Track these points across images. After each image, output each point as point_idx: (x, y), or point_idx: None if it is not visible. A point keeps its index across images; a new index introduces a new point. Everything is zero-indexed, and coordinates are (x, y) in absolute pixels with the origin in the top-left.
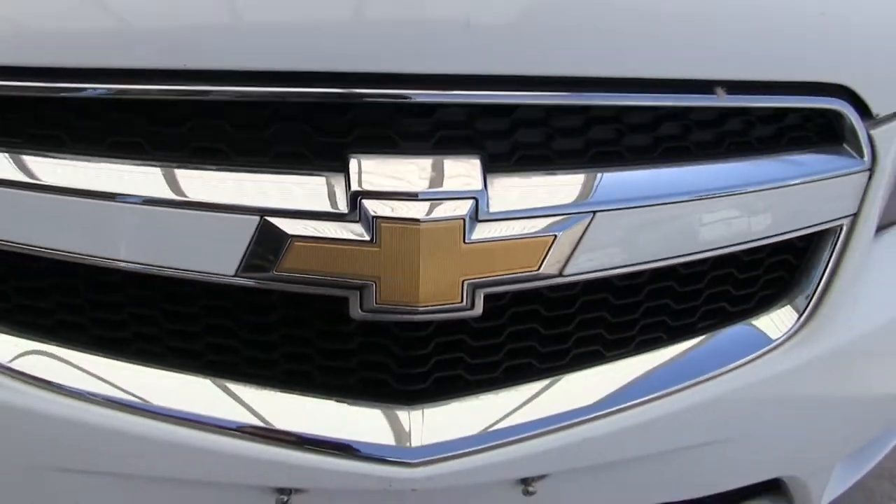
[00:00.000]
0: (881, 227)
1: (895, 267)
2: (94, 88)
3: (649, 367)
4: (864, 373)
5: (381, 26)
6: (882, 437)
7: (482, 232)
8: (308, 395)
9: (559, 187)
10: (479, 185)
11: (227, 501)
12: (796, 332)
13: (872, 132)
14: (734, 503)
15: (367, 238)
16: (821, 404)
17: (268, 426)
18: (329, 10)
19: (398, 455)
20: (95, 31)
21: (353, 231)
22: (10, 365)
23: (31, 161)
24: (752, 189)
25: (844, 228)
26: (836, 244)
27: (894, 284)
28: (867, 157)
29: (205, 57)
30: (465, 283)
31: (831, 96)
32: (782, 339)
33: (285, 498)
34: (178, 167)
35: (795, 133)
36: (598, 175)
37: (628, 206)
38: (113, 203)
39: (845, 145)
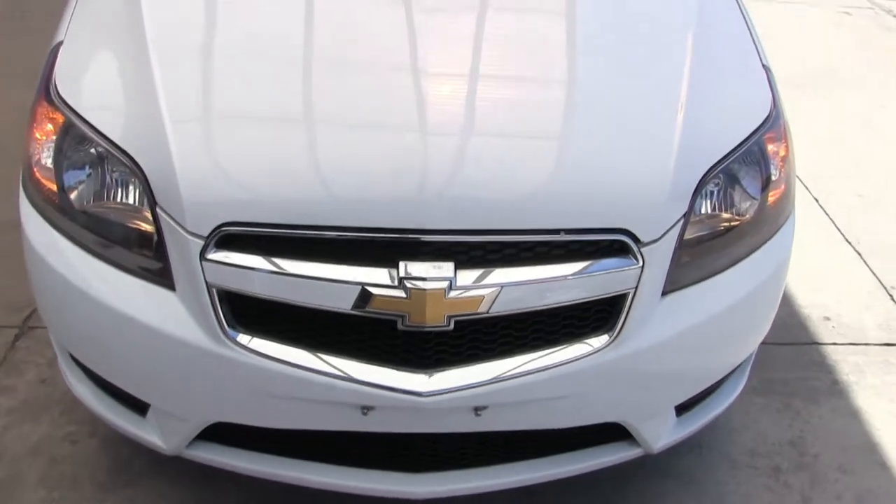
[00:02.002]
0: (666, 292)
1: (669, 314)
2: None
3: (536, 357)
4: (647, 365)
5: (409, 211)
6: (710, 403)
7: (453, 295)
8: (378, 365)
9: (488, 275)
10: (451, 275)
11: (342, 411)
12: (608, 345)
13: (643, 249)
14: (598, 440)
15: (405, 296)
16: (625, 381)
17: (362, 379)
18: (398, 210)
19: (417, 392)
20: (288, 200)
21: (399, 293)
22: (267, 352)
23: (267, 261)
24: (577, 276)
25: (630, 294)
26: (629, 302)
27: (666, 322)
28: (640, 261)
29: (349, 219)
30: (445, 315)
31: (621, 234)
32: (601, 348)
33: (366, 411)
34: (333, 274)
35: (605, 247)
36: (505, 270)
37: (518, 283)
38: (313, 281)
39: (630, 255)
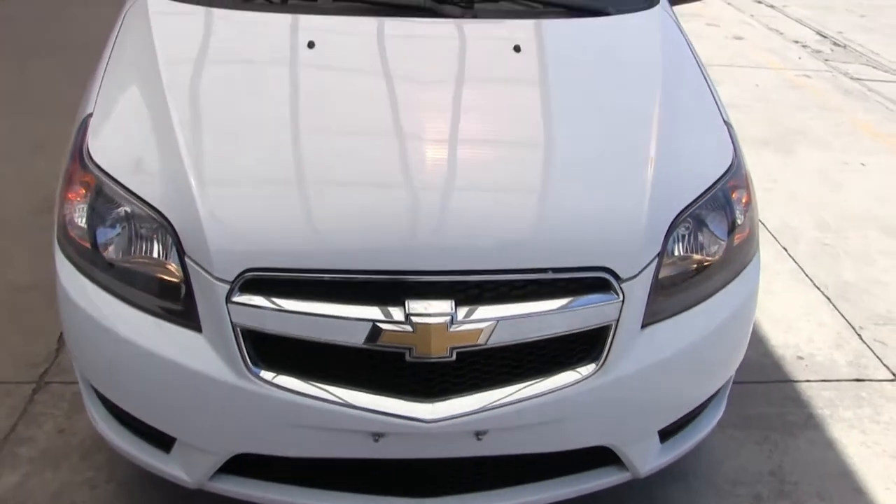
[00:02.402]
0: (646, 324)
1: (648, 344)
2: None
3: (530, 384)
4: (631, 391)
5: (415, 256)
6: (691, 430)
7: (454, 329)
8: (388, 396)
9: (485, 310)
10: (452, 311)
11: (355, 438)
12: (593, 373)
13: (622, 284)
14: (587, 465)
15: (412, 331)
16: (611, 406)
17: (373, 408)
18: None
19: (423, 419)
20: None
21: (406, 328)
22: (287, 386)
23: (286, 302)
24: (564, 310)
25: (613, 326)
26: (612, 334)
27: (647, 352)
28: (620, 295)
29: (358, 264)
30: (448, 346)
31: (602, 271)
32: (588, 375)
33: (377, 438)
34: (346, 313)
35: (588, 283)
36: (499, 305)
37: (512, 317)
38: (328, 319)
39: (611, 290)
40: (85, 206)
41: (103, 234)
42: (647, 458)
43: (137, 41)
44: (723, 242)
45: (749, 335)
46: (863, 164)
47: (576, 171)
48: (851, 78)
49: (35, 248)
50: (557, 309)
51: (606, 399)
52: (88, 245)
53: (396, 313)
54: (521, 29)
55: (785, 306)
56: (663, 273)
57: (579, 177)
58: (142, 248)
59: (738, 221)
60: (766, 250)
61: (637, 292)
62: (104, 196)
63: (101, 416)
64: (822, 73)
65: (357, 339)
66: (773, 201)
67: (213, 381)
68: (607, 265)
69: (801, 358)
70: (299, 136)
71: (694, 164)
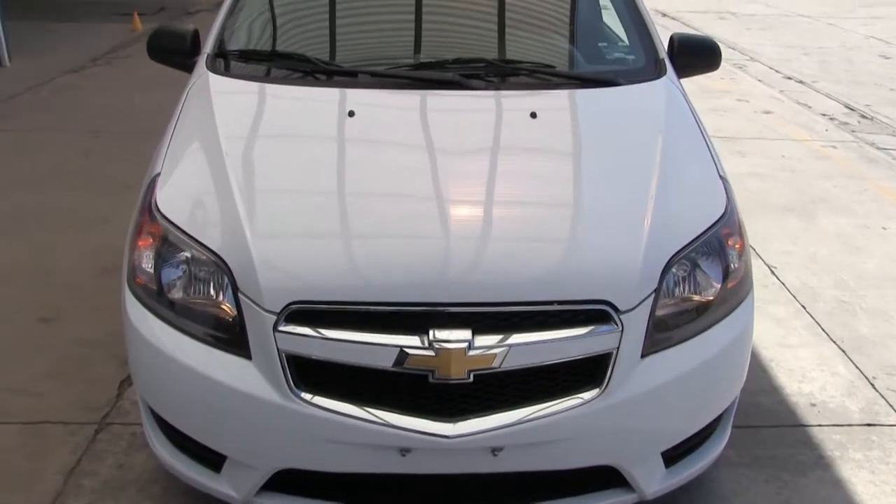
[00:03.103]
0: (645, 355)
1: (647, 372)
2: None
3: (540, 406)
4: (632, 413)
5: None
6: (696, 456)
7: (472, 353)
8: (413, 415)
9: (498, 338)
10: (470, 338)
11: (384, 453)
12: (597, 397)
13: (621, 316)
14: (597, 487)
15: (434, 355)
16: (614, 426)
17: (401, 425)
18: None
19: (445, 435)
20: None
21: (429, 353)
22: (325, 405)
23: (325, 330)
24: (570, 338)
25: (614, 354)
26: (613, 361)
27: (646, 378)
28: (620, 325)
29: (389, 297)
30: (466, 369)
31: (603, 304)
32: (591, 399)
33: (404, 453)
34: (377, 340)
35: (591, 315)
36: (512, 334)
37: (523, 344)
38: (361, 345)
39: (611, 321)
40: (152, 253)
41: (167, 276)
42: (653, 480)
43: (200, 111)
44: (717, 285)
45: (746, 367)
46: (884, 229)
47: (581, 219)
48: (877, 148)
49: (99, 309)
50: (563, 337)
51: (609, 421)
52: (154, 287)
53: (421, 340)
54: (538, 98)
55: (800, 358)
56: (663, 311)
57: (584, 224)
58: (200, 288)
59: (733, 266)
60: (785, 308)
61: (635, 323)
62: (169, 243)
63: (160, 441)
64: (849, 143)
65: (386, 362)
66: (792, 263)
67: (261, 401)
68: (607, 298)
69: (813, 405)
70: (338, 191)
71: (689, 214)
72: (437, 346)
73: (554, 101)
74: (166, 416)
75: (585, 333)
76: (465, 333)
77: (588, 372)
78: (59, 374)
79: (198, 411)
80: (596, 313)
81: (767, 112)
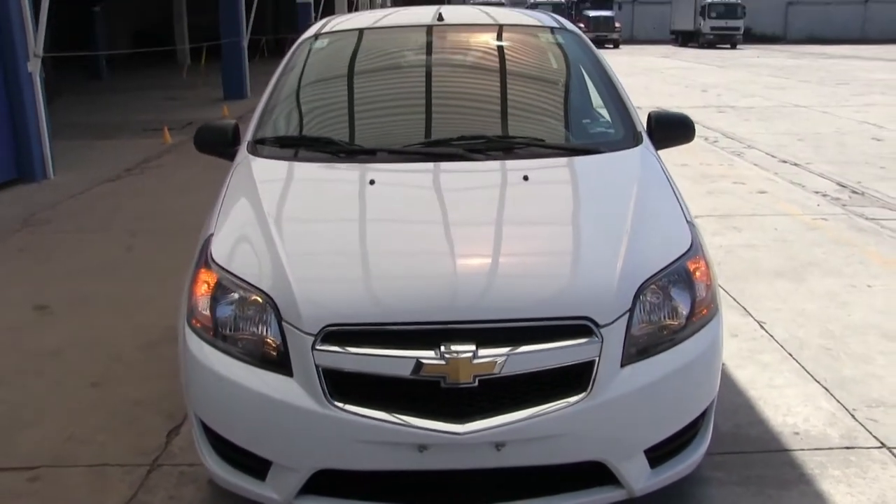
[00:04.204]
0: (624, 365)
1: (626, 378)
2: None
3: (535, 407)
4: (614, 412)
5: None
6: (679, 458)
7: (476, 361)
8: (430, 417)
9: (498, 349)
10: (474, 349)
11: (405, 450)
12: (583, 399)
13: (601, 329)
14: (590, 484)
15: (444, 363)
16: (600, 424)
17: (419, 426)
18: (437, 307)
19: (456, 433)
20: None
21: (441, 362)
22: (356, 411)
23: (354, 347)
24: (558, 348)
25: (596, 362)
26: (596, 368)
27: (626, 383)
28: (600, 337)
29: (407, 318)
30: (472, 374)
31: (585, 319)
32: (578, 401)
33: (422, 449)
34: (397, 353)
35: (575, 329)
36: (509, 346)
37: (519, 353)
38: (384, 357)
39: (592, 334)
40: (207, 297)
41: (221, 313)
42: (639, 477)
43: (244, 184)
44: (686, 309)
45: (716, 376)
46: (869, 286)
47: (564, 254)
48: (866, 218)
49: (143, 375)
50: (553, 347)
51: (595, 420)
52: (210, 323)
53: (434, 353)
54: (530, 164)
55: (785, 396)
56: (638, 329)
57: (567, 257)
58: (248, 322)
59: (699, 292)
60: (772, 356)
61: (613, 336)
62: (222, 287)
63: (211, 456)
64: (839, 216)
65: (405, 371)
66: (781, 318)
67: (302, 410)
68: (588, 315)
69: (797, 433)
70: (362, 239)
71: (657, 249)
72: (447, 356)
73: (543, 166)
74: (220, 430)
75: (571, 344)
76: (471, 346)
77: (575, 378)
78: (113, 427)
79: (247, 423)
80: (579, 328)
81: (762, 192)
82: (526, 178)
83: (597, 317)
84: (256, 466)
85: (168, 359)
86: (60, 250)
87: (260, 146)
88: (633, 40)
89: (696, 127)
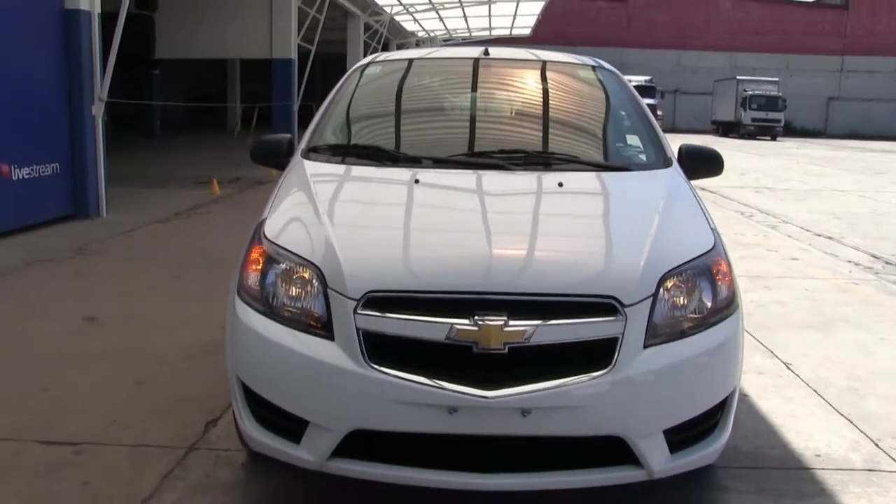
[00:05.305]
0: (647, 346)
1: (648, 358)
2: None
3: (560, 377)
4: (634, 388)
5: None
6: (698, 447)
7: (507, 329)
8: (461, 381)
9: (529, 319)
10: (505, 318)
11: (436, 412)
12: (605, 374)
13: (625, 309)
14: (612, 462)
15: (477, 329)
16: (621, 398)
17: (451, 388)
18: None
19: (484, 397)
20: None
21: (474, 327)
22: (392, 372)
23: (393, 312)
24: (586, 322)
25: (619, 339)
26: (619, 345)
27: (647, 362)
28: (624, 316)
29: (444, 286)
30: (503, 341)
31: (611, 299)
32: (598, 376)
33: (452, 412)
34: (433, 318)
35: (602, 306)
36: (539, 317)
37: (548, 325)
38: (421, 322)
39: (617, 313)
40: (258, 269)
41: (270, 282)
42: (659, 458)
43: (297, 178)
44: (708, 302)
45: (737, 366)
46: None
47: (595, 240)
48: None
49: (185, 378)
50: (580, 322)
51: (616, 394)
52: (258, 291)
53: (468, 319)
54: (565, 175)
55: (809, 425)
56: (661, 316)
57: (597, 243)
58: (295, 294)
59: (721, 287)
60: (796, 391)
61: (636, 317)
62: (272, 259)
63: (248, 419)
64: (871, 281)
65: (440, 336)
66: (808, 362)
67: (342, 370)
68: (614, 294)
69: (818, 456)
70: (405, 218)
71: (681, 246)
72: (480, 323)
73: (577, 176)
74: (262, 391)
75: (597, 321)
76: (503, 316)
77: (600, 355)
78: (155, 418)
79: (288, 384)
80: (605, 306)
81: (794, 259)
82: (560, 184)
83: (622, 297)
84: (293, 428)
85: (210, 367)
86: (111, 274)
87: (313, 153)
88: (674, 129)
89: (732, 203)
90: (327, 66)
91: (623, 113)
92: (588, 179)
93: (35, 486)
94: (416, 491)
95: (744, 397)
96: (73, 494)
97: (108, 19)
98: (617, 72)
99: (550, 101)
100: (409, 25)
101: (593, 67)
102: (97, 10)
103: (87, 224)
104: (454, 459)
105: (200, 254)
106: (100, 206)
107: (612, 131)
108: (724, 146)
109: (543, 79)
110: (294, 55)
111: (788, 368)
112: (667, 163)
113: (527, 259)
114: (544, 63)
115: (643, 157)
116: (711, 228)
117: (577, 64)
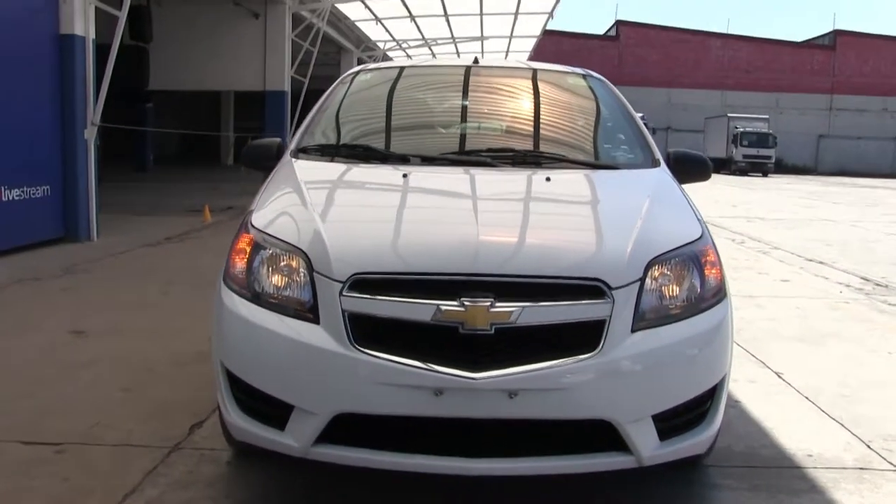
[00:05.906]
0: (634, 330)
1: (635, 342)
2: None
3: (547, 360)
4: (622, 371)
5: (465, 262)
6: (688, 435)
7: (493, 310)
8: (447, 362)
9: (514, 301)
10: (492, 299)
11: (422, 394)
12: (592, 357)
13: (613, 291)
14: (601, 448)
15: (463, 310)
16: (608, 381)
17: (437, 369)
18: (456, 260)
19: (471, 378)
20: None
21: (460, 308)
22: (377, 353)
23: (378, 293)
24: (572, 304)
25: (607, 322)
26: (607, 327)
27: (635, 346)
28: (611, 299)
29: (430, 268)
30: (489, 322)
31: (598, 281)
32: (585, 359)
33: (438, 393)
34: (419, 299)
35: (589, 289)
36: (525, 299)
37: (534, 306)
38: (407, 303)
39: (604, 296)
40: (245, 256)
41: (256, 268)
42: (647, 445)
43: (285, 173)
44: (697, 287)
45: (725, 353)
46: (890, 353)
47: (581, 226)
48: (888, 304)
49: (173, 384)
50: (567, 304)
51: (604, 377)
52: (244, 277)
53: (454, 300)
54: (552, 171)
55: (801, 428)
56: (648, 300)
57: (586, 227)
58: (281, 279)
59: (709, 275)
60: (788, 398)
61: (623, 299)
62: (258, 246)
63: (231, 406)
64: (861, 300)
65: (426, 316)
66: (799, 371)
67: (327, 353)
68: (601, 277)
69: (810, 455)
70: (390, 203)
71: (668, 234)
72: (466, 304)
73: (566, 172)
74: (246, 377)
75: (584, 303)
76: (490, 296)
77: (587, 337)
78: (139, 419)
79: (273, 368)
80: (592, 288)
81: (785, 280)
82: (548, 179)
83: (609, 279)
84: (277, 415)
85: (198, 374)
86: (99, 292)
87: (303, 153)
88: None
89: (723, 231)
90: None
91: (612, 117)
92: (576, 175)
93: (14, 482)
94: (404, 485)
95: (736, 403)
96: (53, 489)
97: (102, 51)
98: (606, 80)
99: (541, 106)
100: (403, 62)
101: (583, 75)
102: (92, 35)
103: (78, 246)
104: (440, 444)
105: (191, 272)
106: (91, 229)
107: (601, 134)
108: (716, 182)
109: (534, 85)
110: (287, 87)
111: (780, 377)
112: (655, 164)
113: (514, 242)
114: (535, 71)
115: (632, 156)
116: (699, 220)
117: (566, 72)
